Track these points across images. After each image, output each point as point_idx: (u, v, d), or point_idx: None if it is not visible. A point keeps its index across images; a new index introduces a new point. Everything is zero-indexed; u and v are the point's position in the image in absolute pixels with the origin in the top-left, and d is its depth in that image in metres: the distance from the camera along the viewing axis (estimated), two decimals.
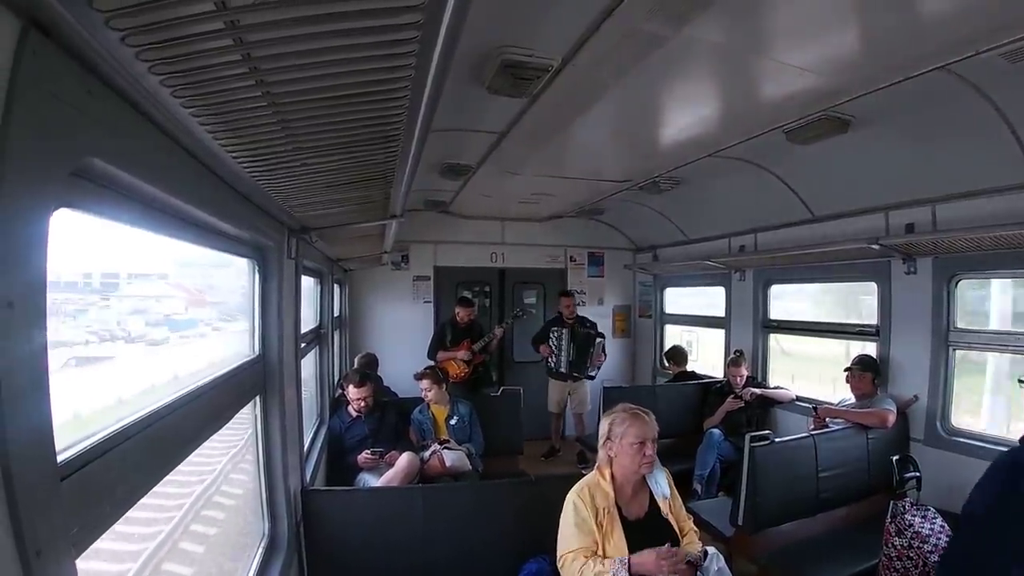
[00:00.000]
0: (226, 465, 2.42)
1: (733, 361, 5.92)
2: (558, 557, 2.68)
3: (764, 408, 5.83)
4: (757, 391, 5.74)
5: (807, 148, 3.97)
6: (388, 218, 3.18)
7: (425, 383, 5.03)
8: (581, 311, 7.54)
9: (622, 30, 2.38)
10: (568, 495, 2.74)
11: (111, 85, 1.05)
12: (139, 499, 1.33)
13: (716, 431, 5.50)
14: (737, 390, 5.78)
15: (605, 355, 6.93)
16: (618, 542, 2.58)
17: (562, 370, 6.83)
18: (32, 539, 0.84)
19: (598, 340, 6.76)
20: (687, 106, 3.60)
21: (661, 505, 2.74)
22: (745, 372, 5.86)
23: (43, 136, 0.87)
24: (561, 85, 2.95)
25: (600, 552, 2.58)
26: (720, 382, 6.13)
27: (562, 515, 2.72)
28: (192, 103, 1.19)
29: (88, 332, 1.61)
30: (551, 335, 6.90)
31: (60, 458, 0.97)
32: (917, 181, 4.05)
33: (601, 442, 2.79)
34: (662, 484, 2.78)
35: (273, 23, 0.97)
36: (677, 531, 2.75)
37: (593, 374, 6.83)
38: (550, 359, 6.90)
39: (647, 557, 2.48)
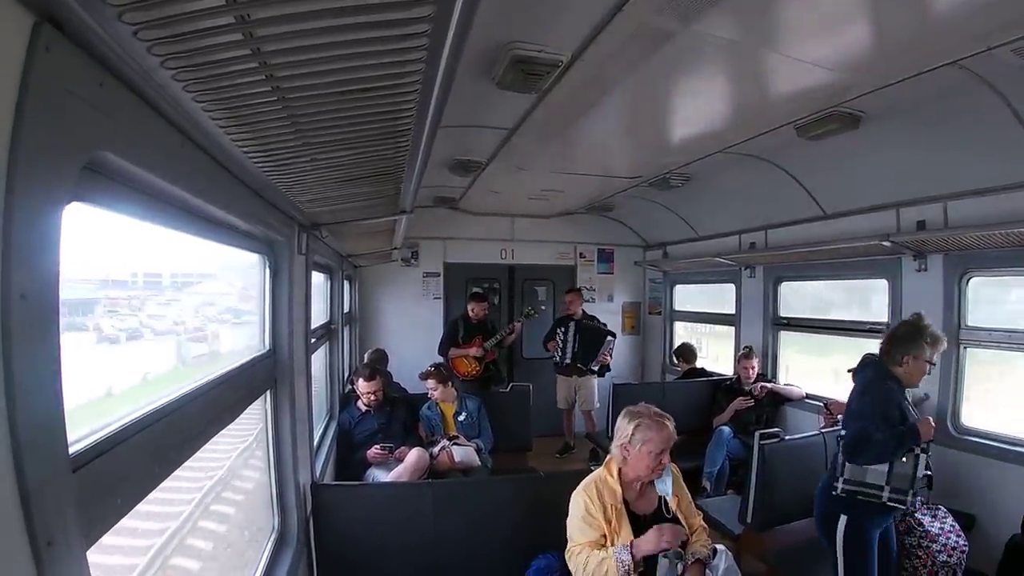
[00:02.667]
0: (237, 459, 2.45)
1: (744, 355, 5.90)
2: (567, 550, 2.70)
3: (774, 406, 5.80)
4: (768, 385, 5.72)
5: (818, 144, 3.93)
6: (398, 213, 3.18)
7: (431, 383, 4.97)
8: (591, 308, 7.50)
9: (632, 25, 2.37)
10: (575, 492, 2.76)
11: (123, 80, 1.05)
12: (150, 491, 1.34)
13: (725, 428, 5.49)
14: (747, 384, 5.76)
15: (611, 356, 6.87)
16: (626, 537, 2.59)
17: (567, 361, 6.82)
18: (43, 529, 0.84)
19: (608, 338, 6.74)
20: (697, 101, 3.57)
21: (669, 501, 2.75)
22: (756, 366, 5.84)
23: (56, 130, 0.87)
24: (571, 81, 2.94)
25: (609, 545, 2.60)
26: (729, 379, 6.11)
27: (570, 511, 2.74)
28: (203, 98, 1.20)
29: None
30: (557, 332, 6.91)
31: (72, 449, 0.98)
32: (928, 178, 4.01)
33: (619, 441, 2.76)
34: (667, 483, 2.77)
35: (284, 18, 0.97)
36: (686, 528, 2.76)
37: (595, 368, 6.78)
38: (556, 353, 6.91)
39: (649, 535, 2.56)
